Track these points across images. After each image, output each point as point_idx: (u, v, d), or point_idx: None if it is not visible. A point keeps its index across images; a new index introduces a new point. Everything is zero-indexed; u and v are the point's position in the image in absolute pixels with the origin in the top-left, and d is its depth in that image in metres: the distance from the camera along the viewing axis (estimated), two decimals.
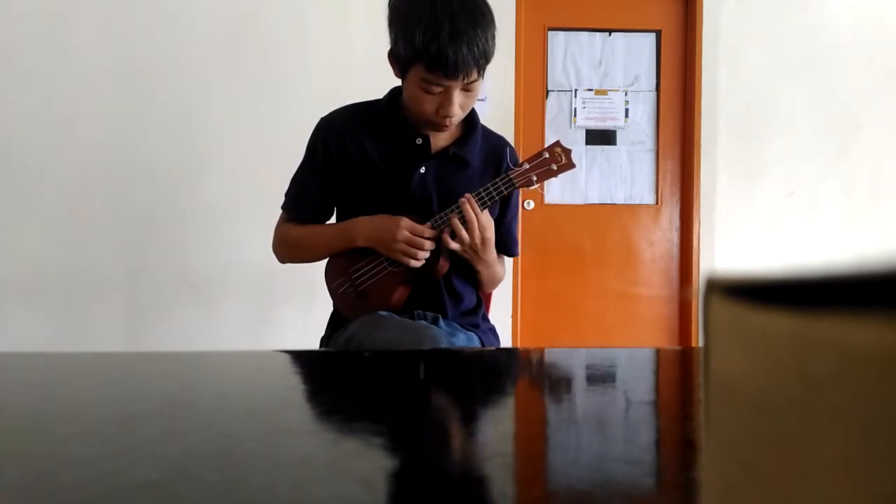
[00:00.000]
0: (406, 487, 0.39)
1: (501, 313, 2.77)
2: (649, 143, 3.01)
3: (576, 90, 2.97)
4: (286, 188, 1.35)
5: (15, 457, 0.44)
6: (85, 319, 2.68)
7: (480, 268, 1.25)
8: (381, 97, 1.29)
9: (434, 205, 1.23)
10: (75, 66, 2.66)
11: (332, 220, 1.37)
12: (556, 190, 2.96)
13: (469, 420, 0.57)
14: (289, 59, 2.74)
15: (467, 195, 1.16)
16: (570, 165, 1.20)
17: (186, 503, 0.36)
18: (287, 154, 1.69)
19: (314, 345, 1.37)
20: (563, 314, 3.00)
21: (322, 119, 1.31)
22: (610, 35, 2.98)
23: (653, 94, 3.01)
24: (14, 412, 0.56)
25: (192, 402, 0.58)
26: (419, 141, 1.24)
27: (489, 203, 1.18)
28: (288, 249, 1.36)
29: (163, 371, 0.73)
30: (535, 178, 1.19)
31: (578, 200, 2.99)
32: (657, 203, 3.02)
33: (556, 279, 2.98)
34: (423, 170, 1.23)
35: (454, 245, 1.17)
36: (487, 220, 1.19)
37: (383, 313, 1.23)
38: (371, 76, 1.79)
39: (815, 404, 0.11)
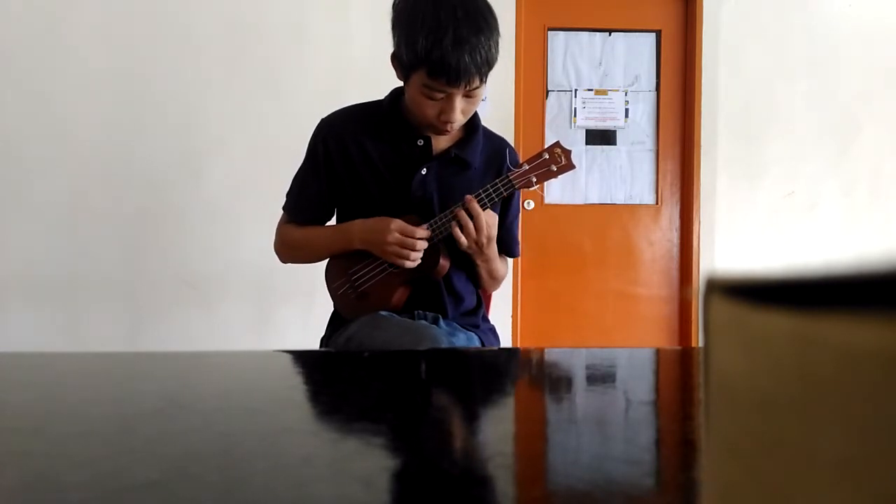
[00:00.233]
0: (406, 487, 0.39)
1: (501, 313, 2.77)
2: (649, 143, 3.01)
3: (576, 90, 2.97)
4: (286, 188, 1.36)
5: (15, 457, 0.44)
6: (85, 319, 2.68)
7: (483, 264, 1.25)
8: (383, 98, 1.29)
9: (435, 206, 1.23)
10: (75, 66, 2.66)
11: (333, 220, 1.37)
12: (556, 190, 2.97)
13: (469, 420, 0.57)
14: (289, 59, 2.74)
15: (468, 196, 1.16)
16: (570, 166, 1.20)
17: (186, 503, 0.36)
18: (287, 154, 1.69)
19: (314, 345, 1.37)
20: (563, 314, 3.00)
21: (323, 120, 1.31)
22: (610, 35, 2.98)
23: (653, 94, 3.01)
24: (14, 412, 0.56)
25: (192, 402, 0.58)
26: (420, 142, 1.24)
27: (489, 204, 1.18)
28: (289, 250, 1.36)
29: (163, 371, 0.73)
30: (534, 180, 1.19)
31: (578, 200, 2.99)
32: (657, 203, 3.02)
33: (556, 279, 2.98)
34: (424, 171, 1.23)
35: (462, 239, 1.16)
36: (491, 218, 1.19)
37: (383, 313, 1.23)
38: (371, 77, 1.79)
39: (815, 404, 0.11)
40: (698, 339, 2.23)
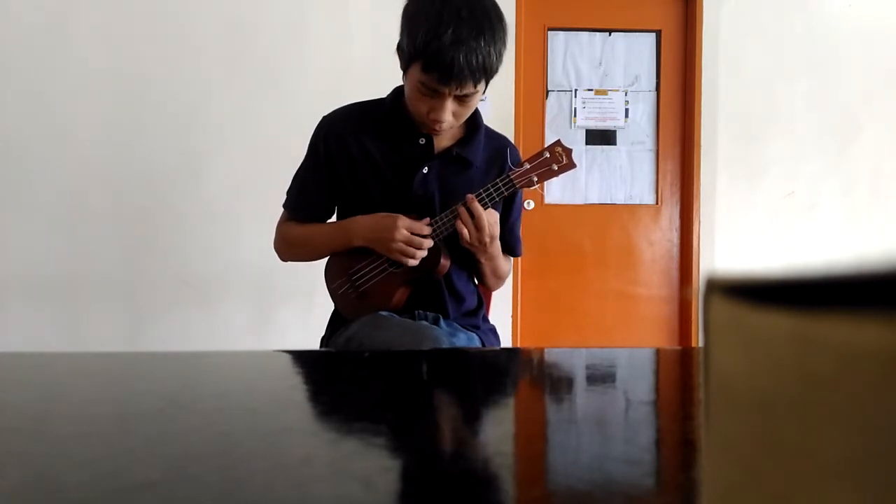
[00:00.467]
0: (406, 487, 0.39)
1: (501, 313, 2.77)
2: (649, 143, 3.01)
3: (576, 90, 2.97)
4: (287, 188, 1.35)
5: (15, 457, 0.44)
6: (85, 319, 2.68)
7: (487, 262, 1.25)
8: (385, 96, 1.28)
9: (436, 205, 1.23)
10: (75, 65, 2.66)
11: (334, 218, 1.36)
12: (557, 190, 2.96)
13: (469, 420, 0.57)
14: (289, 58, 2.74)
15: (469, 195, 1.16)
16: (571, 165, 1.20)
17: (186, 503, 0.36)
18: (287, 154, 1.69)
19: (314, 345, 1.37)
20: (563, 314, 3.00)
21: (324, 118, 1.30)
22: (610, 35, 2.98)
23: (653, 94, 3.01)
24: (14, 412, 0.56)
25: (192, 402, 0.58)
26: (422, 141, 1.23)
27: (490, 204, 1.18)
28: (289, 248, 1.36)
29: (163, 371, 0.73)
30: (535, 179, 1.19)
31: (578, 200, 2.99)
32: (657, 203, 3.02)
33: (556, 279, 2.98)
34: (425, 170, 1.23)
35: (466, 235, 1.16)
36: (493, 217, 1.19)
37: (384, 313, 1.23)
38: (371, 76, 1.79)
39: (815, 404, 0.11)
40: (698, 339, 2.23)
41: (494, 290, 1.41)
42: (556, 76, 2.98)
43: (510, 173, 1.18)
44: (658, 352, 0.93)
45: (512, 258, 1.40)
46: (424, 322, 1.23)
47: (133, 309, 2.70)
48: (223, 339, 2.67)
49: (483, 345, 1.30)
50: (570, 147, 1.21)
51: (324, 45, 2.75)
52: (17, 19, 2.64)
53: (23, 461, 0.43)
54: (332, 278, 1.31)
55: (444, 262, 1.23)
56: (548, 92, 2.97)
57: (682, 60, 3.00)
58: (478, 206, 1.15)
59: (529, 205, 2.92)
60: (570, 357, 0.86)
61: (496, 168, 1.28)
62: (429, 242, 1.18)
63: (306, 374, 0.75)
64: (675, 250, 3.05)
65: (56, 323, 2.67)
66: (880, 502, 0.10)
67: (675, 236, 3.04)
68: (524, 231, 1.41)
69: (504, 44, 1.12)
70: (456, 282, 1.30)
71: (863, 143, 3.01)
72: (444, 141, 1.25)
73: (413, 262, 1.18)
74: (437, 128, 1.17)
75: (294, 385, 0.70)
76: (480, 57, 1.07)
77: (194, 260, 2.70)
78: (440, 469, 0.42)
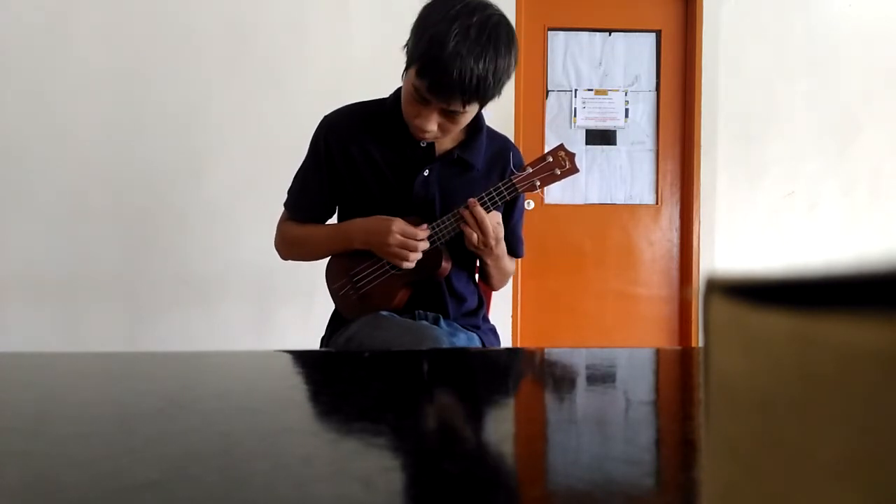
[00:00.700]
0: (406, 487, 0.39)
1: (501, 313, 2.77)
2: (649, 143, 3.01)
3: (576, 90, 2.97)
4: (287, 187, 1.35)
5: (15, 457, 0.44)
6: (85, 319, 2.68)
7: (493, 263, 1.25)
8: (387, 96, 1.27)
9: (436, 208, 1.23)
10: (75, 65, 2.66)
11: (335, 219, 1.36)
12: (557, 190, 2.96)
13: (469, 420, 0.57)
14: (289, 58, 2.74)
15: (472, 200, 1.15)
16: (574, 170, 1.19)
17: (186, 503, 0.36)
18: (287, 154, 1.69)
19: (314, 345, 1.37)
20: (563, 314, 3.00)
21: (325, 117, 1.30)
22: (610, 35, 2.98)
23: (653, 94, 3.01)
24: (14, 412, 0.56)
25: (192, 402, 0.58)
26: (423, 143, 1.23)
27: (492, 208, 1.17)
28: (289, 247, 1.36)
29: (163, 371, 0.73)
30: (538, 183, 1.18)
31: (578, 200, 2.99)
32: (657, 203, 3.02)
33: (556, 279, 2.98)
34: (426, 173, 1.22)
35: (475, 239, 1.16)
36: (497, 218, 1.18)
37: (384, 313, 1.23)
38: (371, 76, 1.79)
39: (815, 404, 0.11)
40: (698, 339, 2.23)
41: (499, 289, 1.41)
42: (556, 76, 2.98)
43: (513, 177, 1.17)
44: (658, 352, 0.93)
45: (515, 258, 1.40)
46: (424, 322, 1.23)
47: (133, 309, 2.70)
48: (223, 339, 2.67)
49: (483, 345, 1.30)
50: (573, 151, 1.20)
51: (324, 45, 2.75)
52: (17, 19, 2.64)
53: (23, 461, 0.43)
54: (334, 279, 1.31)
55: (446, 265, 1.23)
56: (548, 92, 2.97)
57: (682, 60, 3.00)
58: (480, 210, 1.14)
59: (529, 205, 2.92)
60: (571, 357, 0.86)
61: (498, 170, 1.28)
62: (424, 245, 1.17)
63: (306, 374, 0.75)
64: (675, 250, 3.05)
65: (56, 323, 2.67)
66: (880, 502, 0.10)
67: (675, 236, 3.04)
68: (524, 231, 1.41)
69: (507, 74, 1.10)
70: (456, 282, 1.30)
71: (863, 143, 3.01)
72: (445, 143, 1.25)
73: (408, 265, 1.18)
74: (421, 135, 1.16)
75: (294, 385, 0.70)
76: (475, 78, 1.05)
77: (194, 260, 2.70)
78: (440, 469, 0.42)
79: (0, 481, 0.40)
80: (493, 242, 1.16)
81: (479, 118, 1.25)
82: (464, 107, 1.10)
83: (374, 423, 0.51)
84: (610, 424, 0.54)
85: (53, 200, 2.66)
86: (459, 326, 1.28)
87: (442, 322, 1.26)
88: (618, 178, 3.00)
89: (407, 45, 1.14)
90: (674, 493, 0.40)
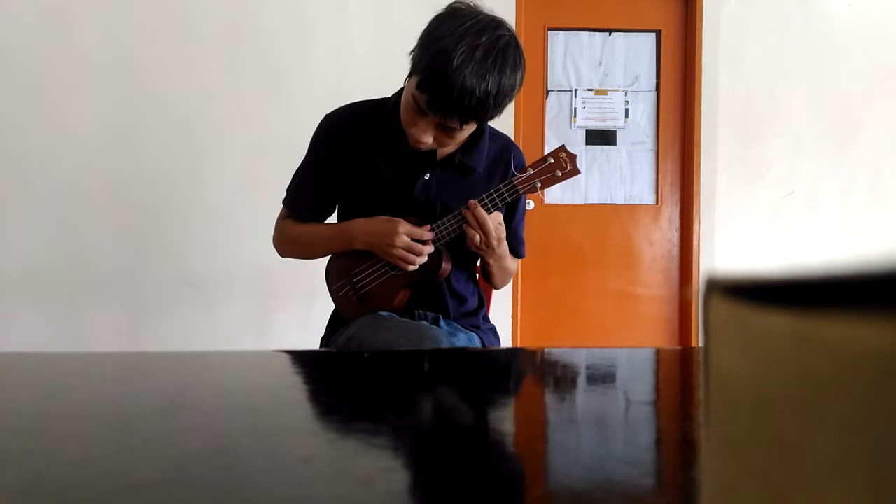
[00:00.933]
0: (406, 487, 0.39)
1: (501, 313, 2.77)
2: (649, 143, 3.01)
3: (576, 90, 2.97)
4: (287, 185, 1.35)
5: (15, 457, 0.44)
6: (85, 319, 2.68)
7: (495, 263, 1.25)
8: (389, 96, 1.26)
9: (437, 211, 1.22)
10: (75, 65, 2.66)
11: (334, 217, 1.36)
12: (557, 190, 2.96)
13: (469, 420, 0.57)
14: (289, 58, 2.74)
15: (472, 201, 1.15)
16: (575, 172, 1.18)
17: (186, 503, 0.36)
18: (287, 154, 1.69)
19: (314, 345, 1.37)
20: (563, 314, 3.00)
21: (326, 116, 1.29)
22: (610, 35, 2.98)
23: (653, 94, 3.01)
24: (14, 412, 0.56)
25: (192, 402, 0.58)
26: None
27: (493, 209, 1.17)
28: (288, 246, 1.35)
29: (163, 371, 0.73)
30: (539, 185, 1.18)
31: (578, 200, 2.99)
32: (657, 203, 3.02)
33: (556, 279, 2.98)
34: (427, 176, 1.22)
35: (477, 240, 1.15)
36: (498, 219, 1.18)
37: (384, 313, 1.22)
38: (371, 76, 1.79)
39: (815, 404, 0.11)
40: (698, 339, 2.23)
41: (501, 287, 1.41)
42: (556, 76, 2.98)
43: (514, 179, 1.17)
44: (658, 352, 0.93)
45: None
46: (424, 322, 1.23)
47: (134, 309, 2.70)
48: (224, 338, 2.67)
49: (483, 345, 1.30)
50: (574, 153, 1.20)
51: (325, 45, 2.75)
52: (17, 18, 2.64)
53: (23, 461, 0.43)
54: (333, 279, 1.31)
55: (446, 266, 1.23)
56: (548, 92, 2.97)
57: (682, 60, 3.00)
58: (481, 212, 1.14)
59: (530, 205, 2.91)
60: (571, 357, 0.86)
61: (499, 171, 1.27)
62: (429, 248, 1.17)
63: (306, 374, 0.75)
64: (675, 250, 3.05)
65: (56, 323, 2.67)
66: (880, 502, 0.10)
67: (675, 236, 3.04)
68: (524, 231, 1.41)
69: (510, 95, 1.09)
70: (456, 282, 1.29)
71: (863, 143, 3.01)
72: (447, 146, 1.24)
73: (413, 268, 1.18)
74: (416, 146, 1.16)
75: (294, 385, 0.70)
76: (475, 100, 1.04)
77: (195, 260, 2.70)
78: (440, 469, 0.42)
79: (0, 481, 0.40)
80: (495, 243, 1.16)
81: None
82: (461, 125, 1.09)
83: (374, 423, 0.51)
84: (610, 424, 0.54)
85: (54, 200, 2.66)
86: (459, 326, 1.28)
87: (442, 322, 1.26)
88: (618, 178, 3.00)
89: (413, 52, 1.13)
90: (674, 493, 0.40)
